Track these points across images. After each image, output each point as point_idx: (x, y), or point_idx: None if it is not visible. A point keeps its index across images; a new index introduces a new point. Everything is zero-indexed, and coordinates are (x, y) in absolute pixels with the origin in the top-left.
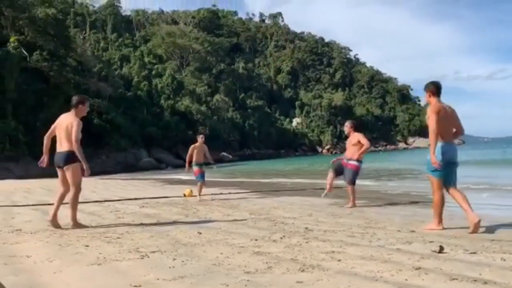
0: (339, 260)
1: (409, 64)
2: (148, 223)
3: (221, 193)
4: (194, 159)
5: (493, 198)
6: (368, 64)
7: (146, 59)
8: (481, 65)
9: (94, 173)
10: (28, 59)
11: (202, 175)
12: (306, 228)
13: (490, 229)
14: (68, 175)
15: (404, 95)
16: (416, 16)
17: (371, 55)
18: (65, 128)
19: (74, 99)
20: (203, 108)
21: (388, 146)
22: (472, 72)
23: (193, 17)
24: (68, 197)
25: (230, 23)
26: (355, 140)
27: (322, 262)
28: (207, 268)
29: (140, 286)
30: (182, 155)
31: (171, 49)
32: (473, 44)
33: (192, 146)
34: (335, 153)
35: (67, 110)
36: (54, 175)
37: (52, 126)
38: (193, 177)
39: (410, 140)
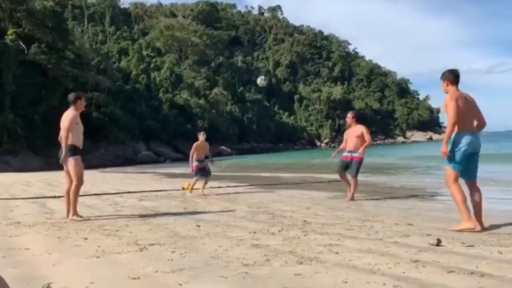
0: (337, 253)
1: (408, 58)
2: (147, 216)
3: (219, 187)
4: (195, 156)
5: (489, 192)
6: (367, 58)
7: (144, 52)
8: (481, 59)
9: (92, 166)
10: (26, 52)
11: (201, 171)
12: (305, 221)
13: (487, 223)
14: (70, 168)
15: (403, 89)
16: (417, 10)
17: (370, 48)
18: (63, 124)
19: (71, 96)
20: (202, 101)
21: (386, 140)
22: (472, 65)
23: (192, 10)
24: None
25: (229, 16)
26: (359, 132)
27: (320, 255)
28: (206, 260)
29: (139, 278)
30: (181, 149)
31: (169, 42)
32: (473, 37)
33: (195, 144)
34: (334, 146)
35: (65, 103)
36: (52, 168)
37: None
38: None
39: (409, 134)
